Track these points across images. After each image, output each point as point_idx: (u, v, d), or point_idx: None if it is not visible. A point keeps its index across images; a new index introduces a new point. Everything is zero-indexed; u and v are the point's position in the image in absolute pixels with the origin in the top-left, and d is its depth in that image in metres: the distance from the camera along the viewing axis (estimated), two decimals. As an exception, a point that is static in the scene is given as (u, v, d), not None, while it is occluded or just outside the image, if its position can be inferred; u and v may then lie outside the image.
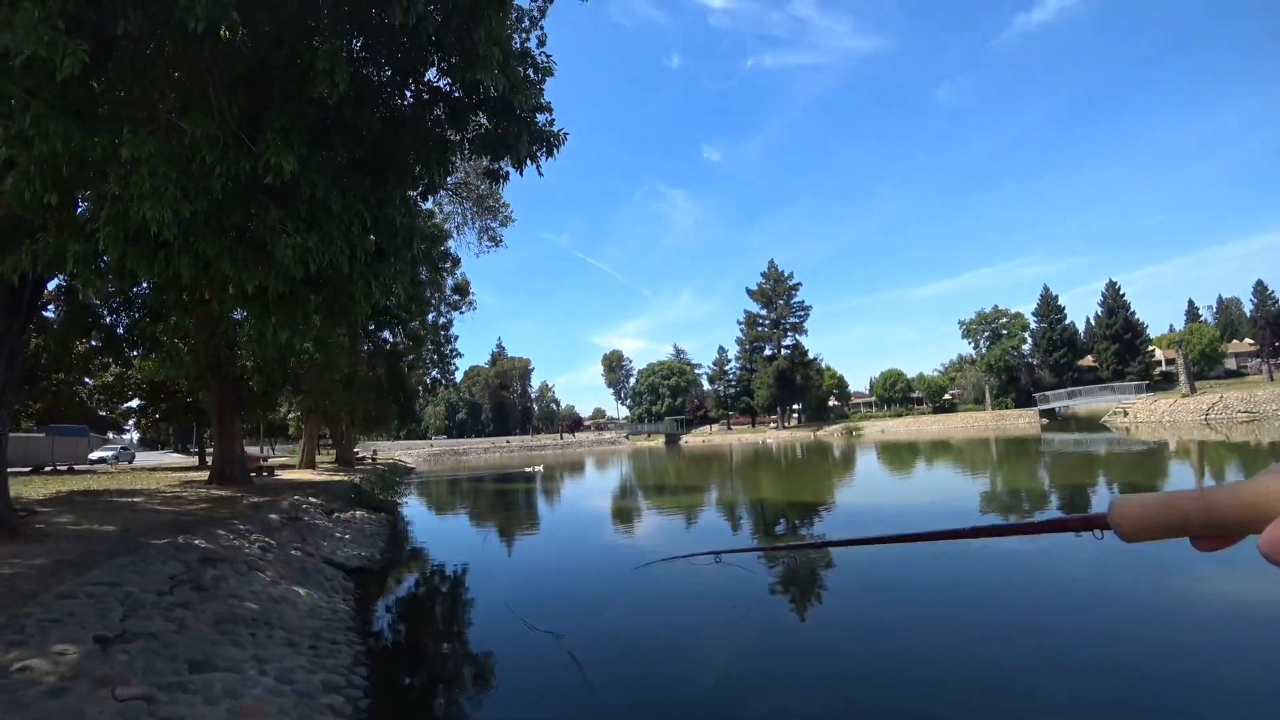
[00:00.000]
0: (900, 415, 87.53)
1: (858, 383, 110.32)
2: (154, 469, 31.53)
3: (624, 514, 20.97)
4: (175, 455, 53.72)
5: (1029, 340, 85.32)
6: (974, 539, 0.87)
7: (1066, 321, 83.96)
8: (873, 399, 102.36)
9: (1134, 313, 78.50)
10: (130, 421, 44.73)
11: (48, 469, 27.85)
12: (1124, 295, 79.58)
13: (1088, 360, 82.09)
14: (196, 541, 9.48)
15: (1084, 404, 67.94)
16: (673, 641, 7.77)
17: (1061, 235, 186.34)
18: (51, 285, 12.73)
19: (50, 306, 17.34)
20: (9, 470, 10.33)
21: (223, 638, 6.04)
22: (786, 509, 19.10)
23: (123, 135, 5.97)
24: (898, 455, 39.00)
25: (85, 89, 6.19)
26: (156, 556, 8.14)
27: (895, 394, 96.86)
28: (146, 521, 11.54)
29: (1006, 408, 77.75)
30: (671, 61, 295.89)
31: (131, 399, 36.30)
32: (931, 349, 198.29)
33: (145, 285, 12.60)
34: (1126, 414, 56.37)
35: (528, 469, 45.40)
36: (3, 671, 4.29)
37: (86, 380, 33.63)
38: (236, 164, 6.14)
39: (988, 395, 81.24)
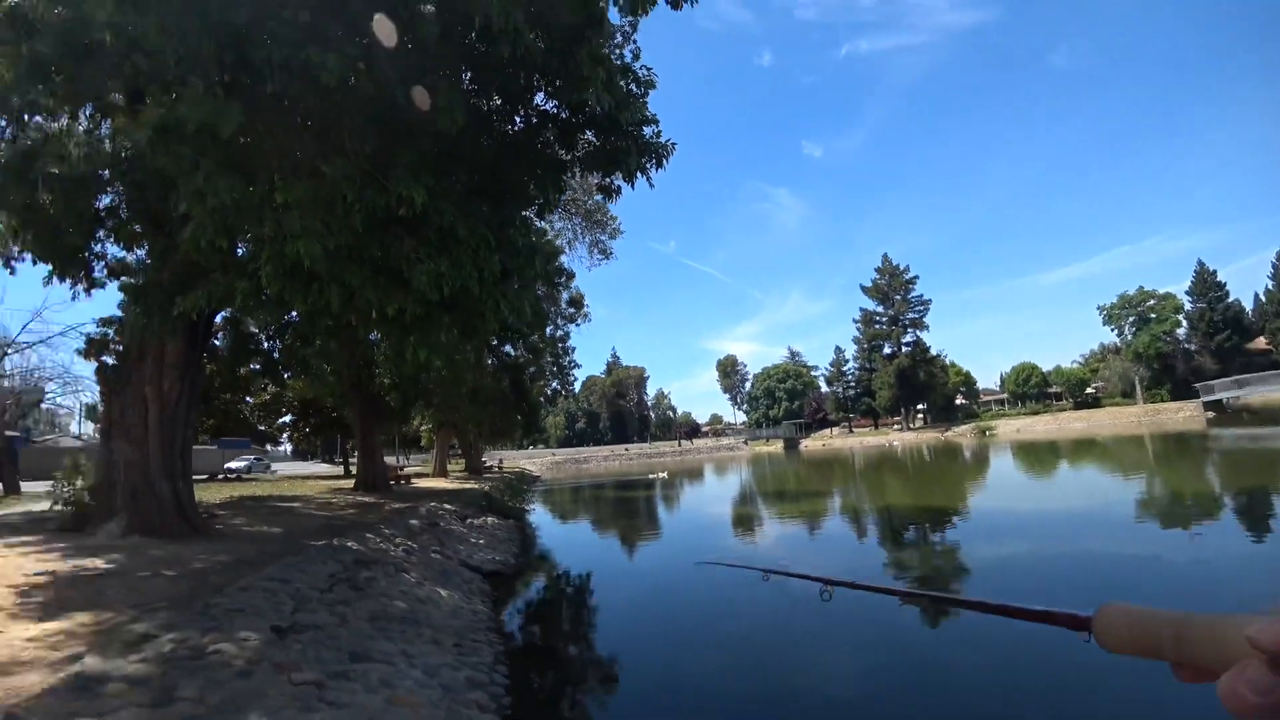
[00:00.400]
0: (1037, 412, 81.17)
1: (986, 379, 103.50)
2: (305, 477, 34.65)
3: (744, 521, 20.85)
4: (323, 465, 58.47)
5: (1184, 324, 75.33)
6: (962, 608, 0.87)
7: (1229, 300, 73.61)
8: (1004, 396, 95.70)
9: (1317, 283, 68.05)
10: (284, 435, 49.13)
11: (220, 476, 31.27)
12: (1301, 263, 69.38)
13: (1259, 343, 71.90)
14: (350, 544, 10.41)
15: (1258, 393, 59.06)
16: (793, 650, 7.72)
17: (1213, 201, 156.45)
18: (219, 318, 14.32)
19: (218, 335, 19.46)
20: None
21: (377, 633, 6.64)
22: (917, 516, 18.34)
23: (275, 183, 6.73)
24: (1038, 456, 36.30)
25: (241, 145, 7.01)
26: (317, 557, 9.03)
27: (1029, 390, 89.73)
28: (305, 525, 12.77)
29: (1161, 400, 70.00)
30: (763, 60, 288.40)
31: (286, 415, 40.06)
32: (1068, 339, 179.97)
33: (295, 314, 14.03)
34: (1317, 404, 49.23)
35: (651, 476, 46.02)
36: (201, 652, 4.94)
37: (249, 399, 37.37)
38: (372, 200, 6.74)
39: (1138, 387, 73.44)
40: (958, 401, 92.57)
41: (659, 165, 9.19)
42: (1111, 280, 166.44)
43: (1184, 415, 60.84)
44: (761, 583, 9.79)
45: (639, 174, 9.03)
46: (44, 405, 30.10)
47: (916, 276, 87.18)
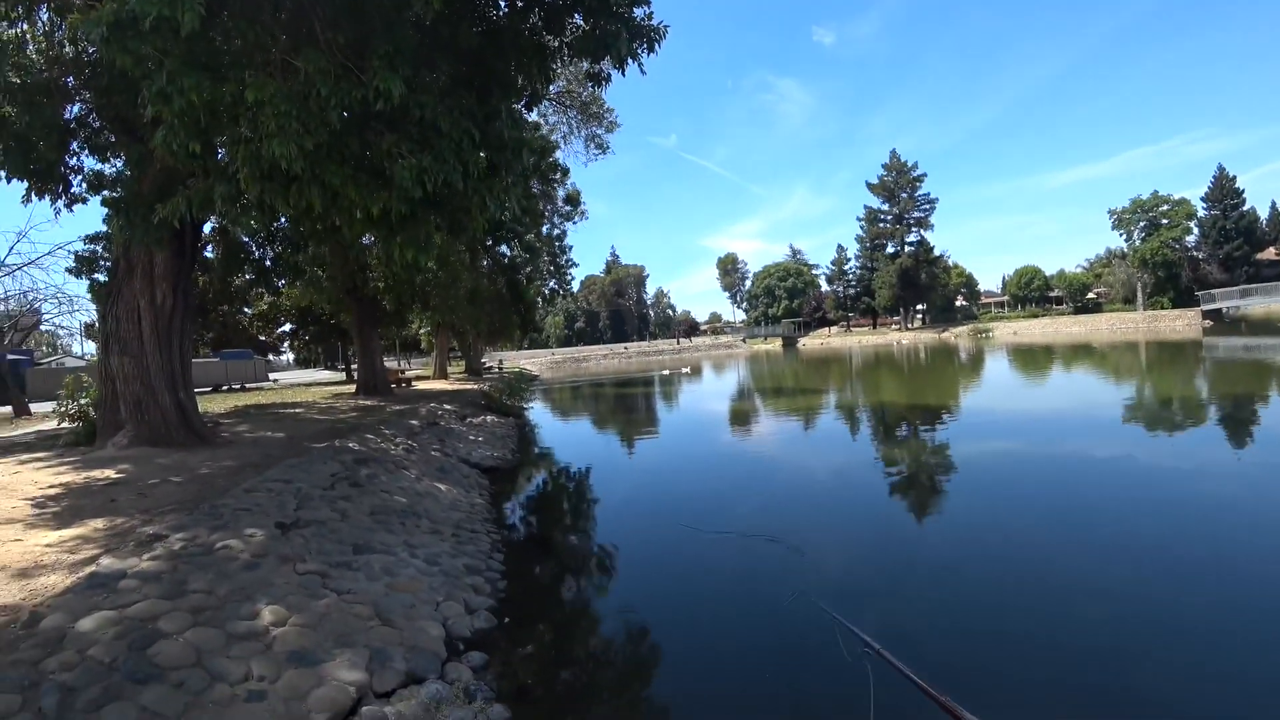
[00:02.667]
0: (1035, 316, 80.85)
1: (989, 281, 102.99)
2: (308, 384, 35.16)
3: (741, 417, 21.31)
4: (325, 372, 59.07)
5: (1195, 230, 72.45)
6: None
7: (1245, 208, 70.29)
8: (1005, 298, 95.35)
9: (1336, 193, 65.39)
10: (285, 344, 49.42)
11: (224, 388, 31.68)
12: (1325, 172, 66.51)
13: (1270, 253, 69.84)
14: (351, 445, 10.69)
15: (1260, 304, 58.02)
16: (798, 537, 8.01)
17: (1247, 100, 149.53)
18: (208, 229, 14.08)
19: (209, 247, 19.23)
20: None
21: (378, 526, 6.93)
22: (908, 414, 18.76)
23: (246, 80, 6.45)
24: (1031, 359, 36.54)
25: (207, 42, 6.66)
26: (319, 458, 9.30)
27: (1031, 293, 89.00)
28: (307, 429, 13.04)
29: (1162, 308, 68.60)
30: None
31: (284, 324, 40.13)
32: (1075, 243, 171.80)
33: (284, 219, 13.81)
34: (1316, 315, 48.14)
35: (666, 372, 47.84)
36: (210, 549, 5.18)
37: (246, 309, 37.34)
38: (348, 94, 6.47)
39: (1139, 294, 72.07)
40: (958, 303, 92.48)
41: (650, 50, 8.69)
42: (1127, 183, 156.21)
43: (1182, 323, 59.74)
44: (761, 478, 10.12)
45: (630, 59, 8.59)
46: (42, 327, 30.06)
47: (924, 174, 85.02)
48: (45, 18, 9.75)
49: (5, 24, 9.63)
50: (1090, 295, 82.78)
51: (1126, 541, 6.92)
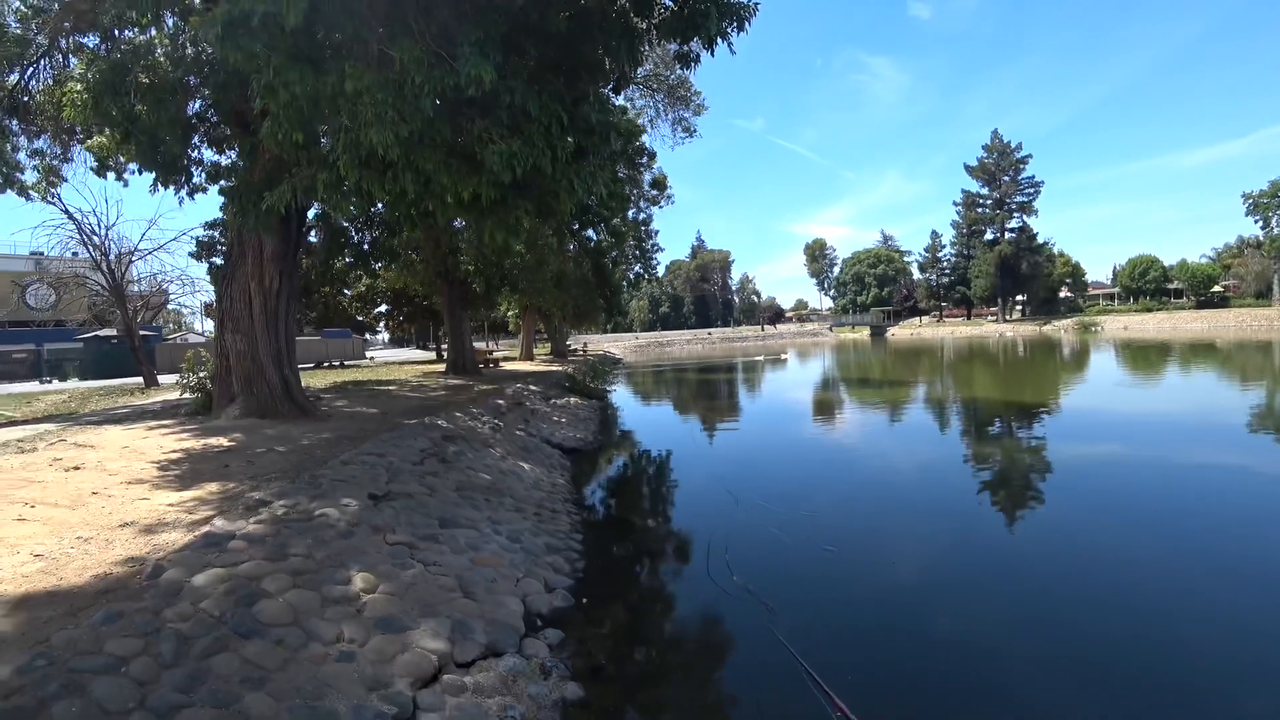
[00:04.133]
0: (1150, 309, 74.35)
1: (1097, 271, 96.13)
2: (401, 363, 36.82)
3: (825, 407, 20.86)
4: (417, 351, 61.67)
5: None
6: None
7: None
8: (1115, 290, 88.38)
9: None
10: (380, 324, 51.78)
11: (325, 364, 33.59)
12: None
13: None
14: (440, 422, 11.13)
15: None
16: (877, 532, 7.88)
17: None
18: (312, 215, 14.88)
19: (313, 232, 20.38)
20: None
21: (463, 501, 7.20)
22: (1002, 412, 17.87)
23: (345, 72, 6.74)
24: (1143, 356, 33.63)
25: (310, 37, 6.99)
26: (410, 434, 9.73)
27: (1145, 285, 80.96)
28: (400, 405, 13.67)
29: None
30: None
31: (380, 305, 42.06)
32: (1199, 231, 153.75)
33: (380, 205, 14.45)
34: None
35: (759, 357, 48.22)
36: (309, 516, 5.51)
37: (346, 291, 39.33)
38: (441, 81, 6.63)
39: (1276, 288, 65.21)
40: (1062, 294, 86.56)
41: (740, 28, 8.48)
42: (1264, 164, 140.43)
43: (1326, 322, 53.58)
44: (843, 471, 9.88)
45: (719, 39, 8.41)
46: (169, 306, 32.80)
47: (1029, 156, 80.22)
48: (171, 23, 10.54)
49: (137, 30, 10.46)
50: (1216, 288, 75.20)
51: (1245, 568, 6.34)
